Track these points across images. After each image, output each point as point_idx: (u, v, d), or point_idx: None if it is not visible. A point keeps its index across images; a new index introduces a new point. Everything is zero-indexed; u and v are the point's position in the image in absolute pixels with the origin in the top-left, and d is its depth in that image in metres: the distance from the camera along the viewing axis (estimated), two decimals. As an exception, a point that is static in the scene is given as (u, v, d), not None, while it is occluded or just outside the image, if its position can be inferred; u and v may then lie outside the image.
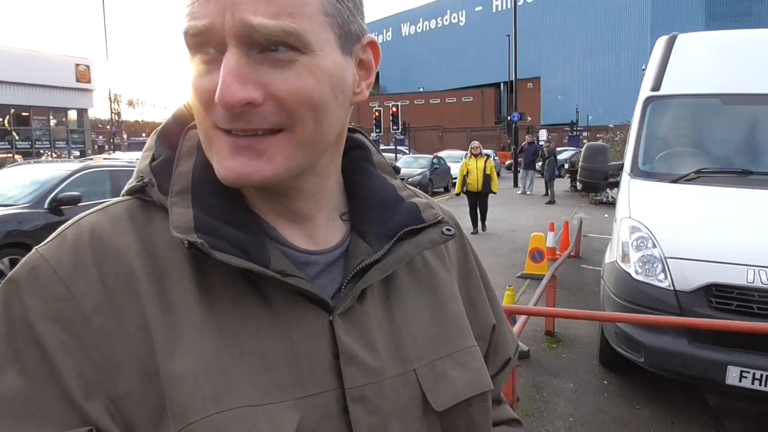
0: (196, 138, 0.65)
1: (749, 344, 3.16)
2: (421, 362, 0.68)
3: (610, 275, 3.91)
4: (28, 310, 0.54)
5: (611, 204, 12.27)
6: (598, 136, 33.37)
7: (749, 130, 4.46)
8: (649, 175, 4.28)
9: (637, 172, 4.36)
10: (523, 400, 3.88)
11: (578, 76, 55.93)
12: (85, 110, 32.05)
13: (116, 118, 45.66)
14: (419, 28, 74.24)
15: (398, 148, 28.89)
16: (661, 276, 3.48)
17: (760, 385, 3.08)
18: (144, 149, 0.68)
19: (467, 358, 0.72)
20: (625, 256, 3.75)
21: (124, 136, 39.96)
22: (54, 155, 28.52)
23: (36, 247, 0.59)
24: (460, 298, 0.78)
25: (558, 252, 8.26)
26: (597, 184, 5.13)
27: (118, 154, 15.34)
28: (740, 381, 3.12)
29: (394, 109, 25.50)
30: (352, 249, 0.69)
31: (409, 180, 16.70)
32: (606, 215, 12.64)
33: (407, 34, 75.73)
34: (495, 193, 11.26)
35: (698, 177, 4.06)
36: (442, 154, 25.66)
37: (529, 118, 41.18)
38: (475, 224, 11.36)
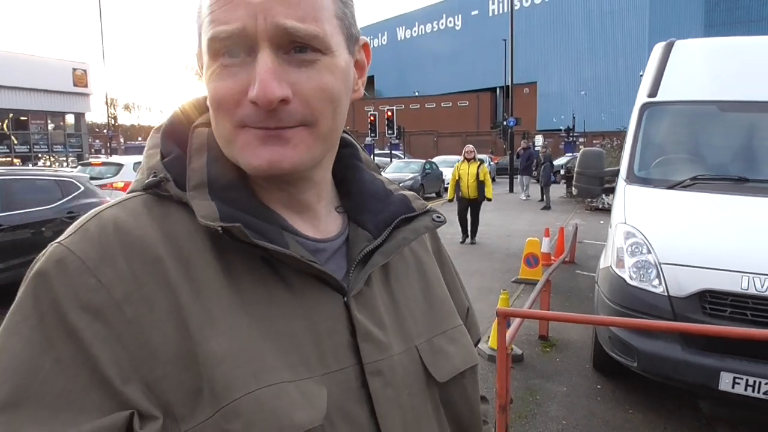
0: (204, 136, 0.68)
1: (743, 351, 3.17)
2: (421, 339, 0.74)
3: (605, 280, 3.92)
4: (59, 301, 0.55)
5: (607, 210, 12.32)
6: (594, 141, 33.43)
7: (746, 138, 4.46)
8: (644, 181, 4.29)
9: (632, 178, 4.36)
10: (516, 403, 3.88)
11: (575, 81, 55.88)
12: (83, 114, 32.15)
13: (113, 122, 45.57)
14: (415, 32, 74.19)
15: (393, 152, 28.90)
16: (656, 282, 3.49)
17: (754, 391, 3.09)
18: (147, 148, 0.71)
19: (458, 335, 0.80)
20: (619, 262, 3.76)
21: (121, 140, 39.84)
22: (52, 159, 28.45)
23: (55, 241, 0.60)
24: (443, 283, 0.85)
25: (553, 257, 8.28)
26: (593, 189, 5.13)
27: (115, 158, 15.25)
28: (733, 387, 3.14)
29: (390, 113, 25.58)
30: (352, 237, 0.74)
31: (401, 185, 16.76)
32: (602, 221, 12.63)
33: (403, 38, 75.68)
34: (490, 200, 10.39)
35: (694, 184, 4.06)
36: (436, 159, 25.61)
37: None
38: (465, 231, 10.50)
